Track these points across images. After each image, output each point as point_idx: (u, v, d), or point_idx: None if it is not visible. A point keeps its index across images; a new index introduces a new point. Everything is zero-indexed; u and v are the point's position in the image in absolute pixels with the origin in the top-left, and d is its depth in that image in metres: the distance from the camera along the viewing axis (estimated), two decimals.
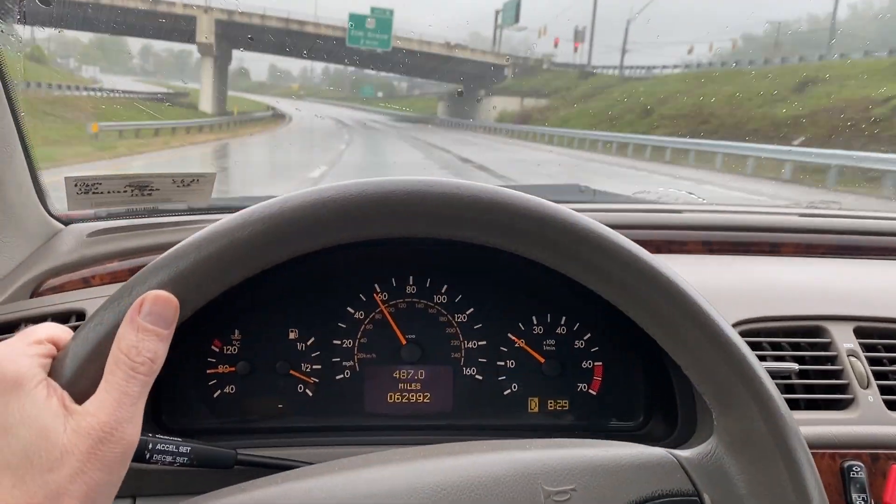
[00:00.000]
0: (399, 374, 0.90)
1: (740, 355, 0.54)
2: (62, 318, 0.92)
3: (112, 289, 0.69)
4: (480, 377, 0.90)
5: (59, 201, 1.17)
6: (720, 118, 13.17)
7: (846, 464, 0.84)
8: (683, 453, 0.56)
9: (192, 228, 1.01)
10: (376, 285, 0.89)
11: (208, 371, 0.87)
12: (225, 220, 0.53)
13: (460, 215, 0.54)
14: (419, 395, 0.90)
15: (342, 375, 0.89)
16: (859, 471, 0.84)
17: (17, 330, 0.91)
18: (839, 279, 1.15)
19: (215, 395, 0.87)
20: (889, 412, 0.90)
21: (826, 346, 0.95)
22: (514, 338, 0.90)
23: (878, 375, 0.94)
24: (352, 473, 0.52)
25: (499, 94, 20.77)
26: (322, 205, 0.52)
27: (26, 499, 0.44)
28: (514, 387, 0.90)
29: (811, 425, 0.86)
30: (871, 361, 0.95)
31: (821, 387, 0.92)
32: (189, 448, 0.67)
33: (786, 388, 0.91)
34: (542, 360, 0.90)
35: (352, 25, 8.60)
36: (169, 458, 0.65)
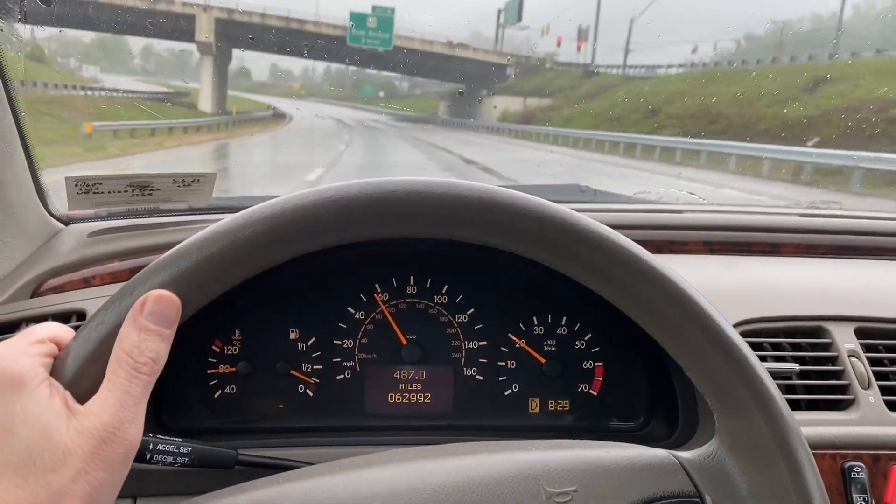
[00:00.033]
0: (400, 374, 0.90)
1: (741, 356, 0.54)
2: (63, 317, 0.92)
3: (113, 289, 0.69)
4: (481, 377, 0.90)
5: (59, 201, 1.18)
6: (729, 118, 12.93)
7: (847, 464, 0.85)
8: (685, 454, 0.56)
9: (193, 228, 1.01)
10: (377, 285, 0.89)
11: (209, 371, 0.87)
12: (226, 220, 0.53)
13: (460, 215, 0.54)
14: (420, 396, 0.90)
15: (343, 376, 0.89)
16: (860, 471, 0.84)
17: (18, 330, 0.91)
18: (840, 279, 1.15)
19: (216, 396, 0.87)
20: (890, 413, 0.90)
21: (827, 347, 0.96)
22: (514, 338, 0.90)
23: (878, 376, 0.94)
24: (352, 474, 0.52)
25: (501, 94, 20.71)
26: (323, 205, 0.52)
27: (29, 499, 0.43)
28: (515, 387, 0.90)
29: (812, 426, 0.86)
30: (872, 362, 0.95)
31: (822, 387, 0.92)
32: (190, 448, 0.67)
33: (787, 389, 0.91)
34: (543, 361, 0.90)
35: (353, 24, 8.56)
36: (170, 459, 0.65)
